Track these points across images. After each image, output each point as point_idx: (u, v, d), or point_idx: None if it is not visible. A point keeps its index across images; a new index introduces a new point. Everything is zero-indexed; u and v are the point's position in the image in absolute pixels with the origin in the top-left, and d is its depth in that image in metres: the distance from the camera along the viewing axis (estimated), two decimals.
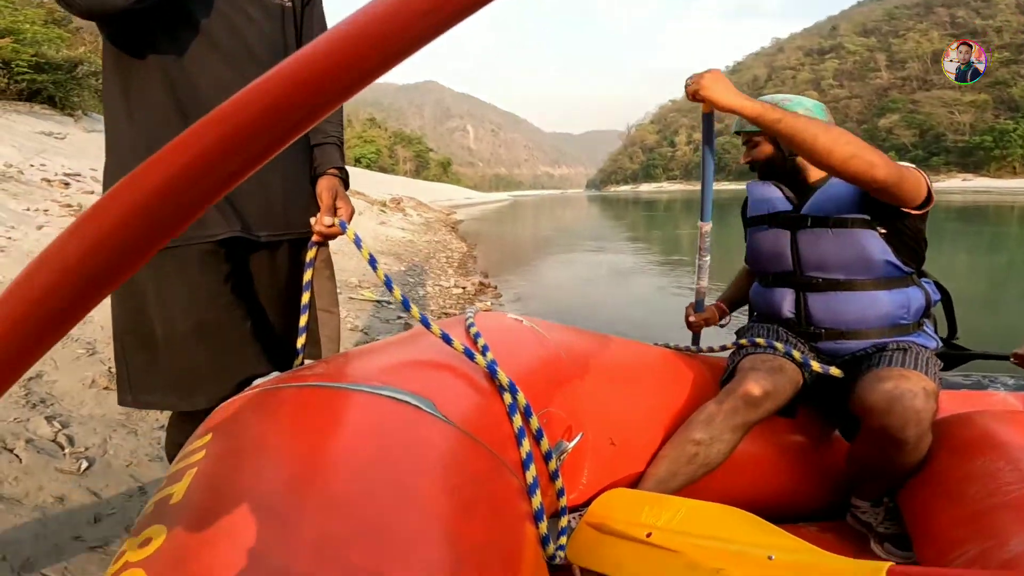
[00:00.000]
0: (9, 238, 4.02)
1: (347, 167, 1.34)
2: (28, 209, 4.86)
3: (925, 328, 1.50)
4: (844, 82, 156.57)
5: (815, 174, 1.53)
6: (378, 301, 4.85)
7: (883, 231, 1.41)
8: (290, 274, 1.26)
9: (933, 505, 1.19)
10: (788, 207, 1.54)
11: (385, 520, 0.62)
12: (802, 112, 1.44)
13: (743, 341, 1.55)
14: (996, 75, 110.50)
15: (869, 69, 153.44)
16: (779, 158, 1.55)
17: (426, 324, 1.05)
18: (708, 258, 1.79)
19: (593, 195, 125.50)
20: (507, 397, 0.99)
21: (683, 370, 1.57)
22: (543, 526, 0.95)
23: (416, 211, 15.56)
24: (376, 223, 11.10)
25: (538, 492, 0.94)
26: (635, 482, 1.39)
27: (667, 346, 1.71)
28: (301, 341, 1.20)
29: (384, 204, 14.13)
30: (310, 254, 1.22)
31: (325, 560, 0.55)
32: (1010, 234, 15.06)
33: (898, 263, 1.43)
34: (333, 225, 1.19)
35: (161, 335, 1.07)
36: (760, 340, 1.51)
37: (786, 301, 1.55)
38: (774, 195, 1.58)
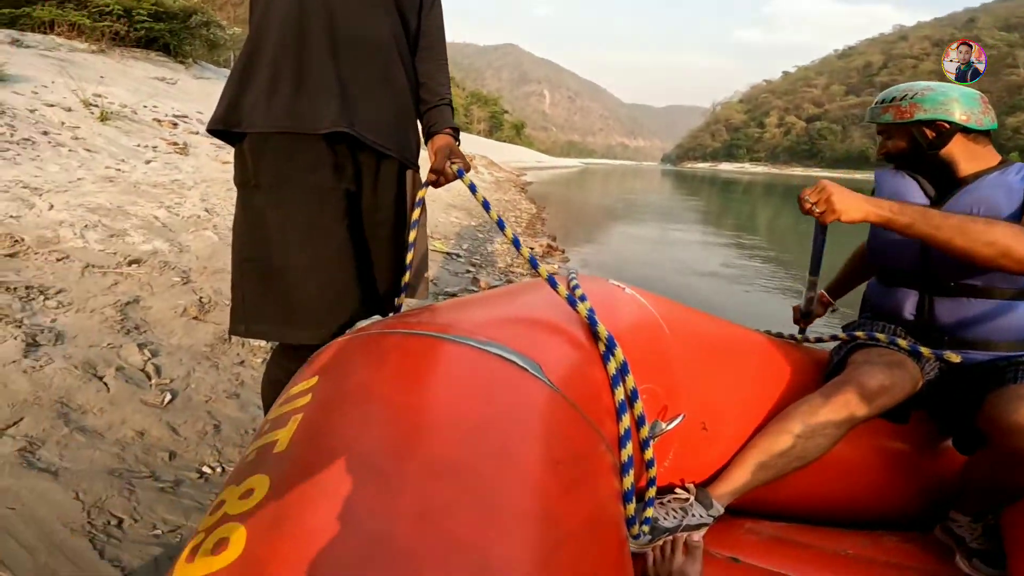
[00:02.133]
0: (118, 170, 4.32)
1: None
2: (138, 145, 5.23)
3: None
4: None
5: (966, 167, 1.38)
6: (448, 253, 4.89)
7: None
8: (395, 212, 1.28)
9: None
10: (924, 201, 1.40)
11: (490, 489, 0.58)
12: (947, 101, 1.35)
13: (859, 333, 1.42)
14: None
15: (1005, 64, 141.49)
16: (914, 153, 1.43)
17: (552, 283, 0.98)
18: (813, 299, 1.67)
19: (668, 169, 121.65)
20: (611, 366, 0.92)
21: (783, 359, 1.47)
22: (630, 508, 0.89)
23: (487, 170, 15.59)
24: None
25: (631, 472, 0.89)
26: (720, 470, 1.31)
27: (768, 333, 1.59)
28: (406, 278, 1.27)
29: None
30: (421, 193, 1.27)
31: (427, 529, 0.51)
32: None
33: None
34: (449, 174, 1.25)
35: (277, 265, 1.09)
36: (881, 336, 1.38)
37: (908, 302, 1.44)
38: (909, 187, 1.44)
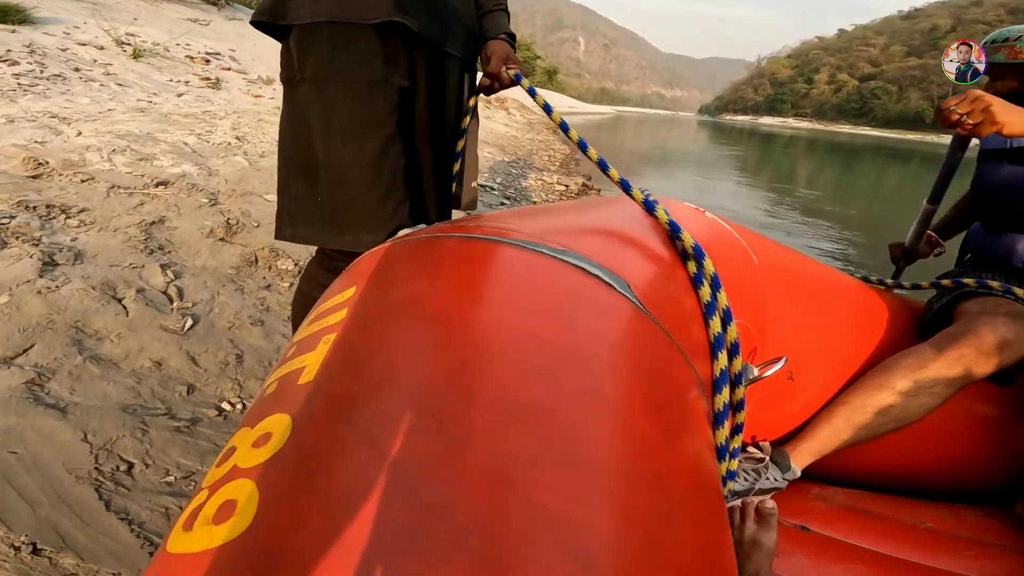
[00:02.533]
0: (150, 102, 4.27)
1: None
2: (171, 80, 5.20)
3: None
4: None
5: None
6: (482, 185, 4.80)
7: None
8: (456, 116, 1.21)
9: None
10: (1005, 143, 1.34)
11: (583, 443, 0.43)
12: (1014, 47, 1.28)
13: (968, 281, 1.27)
14: None
15: None
16: None
17: (626, 188, 0.85)
18: (920, 237, 1.60)
19: (705, 120, 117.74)
20: (704, 293, 0.75)
21: (877, 305, 1.31)
22: (724, 466, 0.77)
23: (519, 112, 15.26)
24: (482, 116, 11.02)
25: (726, 424, 0.74)
26: (801, 427, 1.18)
27: (860, 277, 1.42)
28: (458, 170, 1.22)
29: (488, 101, 13.94)
30: (472, 101, 1.20)
31: (504, 498, 0.37)
32: None
33: None
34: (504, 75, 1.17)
35: (320, 161, 1.00)
36: (995, 284, 1.24)
37: (1019, 248, 1.33)
38: None
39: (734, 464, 0.94)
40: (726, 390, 0.74)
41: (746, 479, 1.11)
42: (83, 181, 2.46)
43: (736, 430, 0.87)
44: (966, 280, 1.29)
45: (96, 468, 1.20)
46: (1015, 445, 1.29)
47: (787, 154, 23.59)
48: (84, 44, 5.20)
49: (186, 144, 3.32)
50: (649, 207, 0.82)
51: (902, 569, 1.06)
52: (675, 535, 0.43)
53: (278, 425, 0.42)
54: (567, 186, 5.77)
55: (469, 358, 0.47)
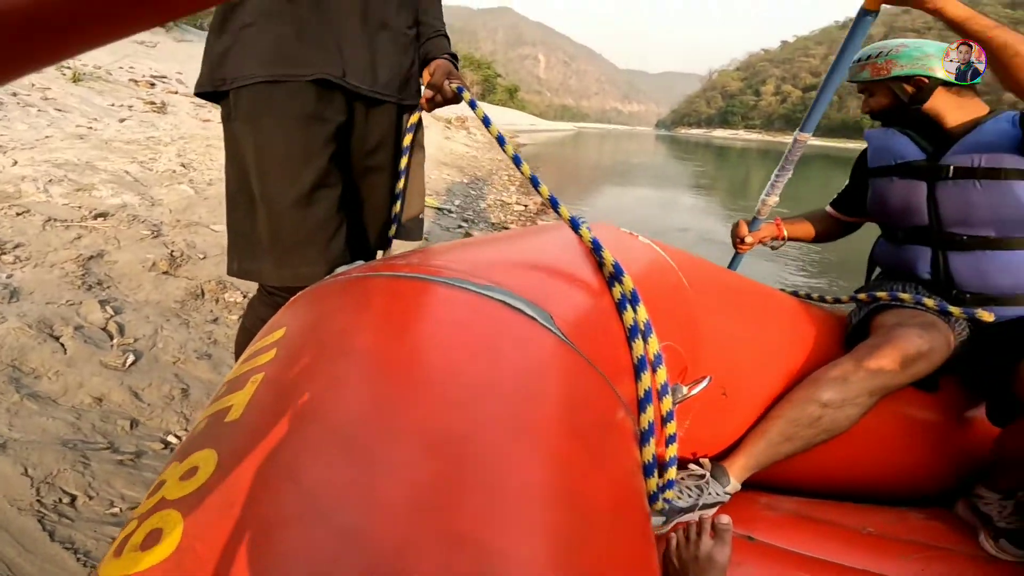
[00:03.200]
0: (90, 128, 4.13)
1: None
2: (113, 104, 5.03)
3: None
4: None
5: (954, 119, 1.35)
6: (439, 208, 4.77)
7: None
8: (391, 154, 1.20)
9: None
10: (921, 156, 1.37)
11: (499, 470, 0.45)
12: (922, 57, 1.34)
13: (881, 294, 1.35)
14: None
15: None
16: (898, 109, 1.41)
17: (555, 205, 0.89)
18: (790, 174, 1.61)
19: (662, 134, 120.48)
20: (628, 318, 0.78)
21: (806, 320, 1.36)
22: (652, 482, 0.79)
23: (480, 131, 15.37)
24: (442, 137, 11.08)
25: (652, 442, 0.77)
26: (738, 441, 1.21)
27: (789, 292, 1.50)
28: (397, 208, 1.20)
29: (449, 121, 14.01)
30: (413, 118, 1.19)
31: (420, 520, 0.38)
32: None
33: None
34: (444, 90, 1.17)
35: (259, 198, 1.02)
36: (905, 296, 1.32)
37: (921, 260, 1.38)
38: (903, 144, 1.41)
39: (670, 474, 0.97)
40: (651, 409, 0.76)
41: (689, 495, 1.13)
42: (18, 214, 2.38)
43: (669, 444, 0.90)
44: (879, 294, 1.35)
45: (38, 500, 1.18)
46: (950, 448, 1.35)
47: (741, 165, 24.30)
48: None
49: (127, 173, 3.23)
50: (574, 225, 0.84)
51: (846, 575, 1.09)
52: (595, 553, 0.45)
53: (205, 460, 0.44)
54: (526, 206, 5.84)
55: (391, 392, 0.49)
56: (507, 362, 0.56)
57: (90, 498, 1.21)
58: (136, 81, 6.08)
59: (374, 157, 1.16)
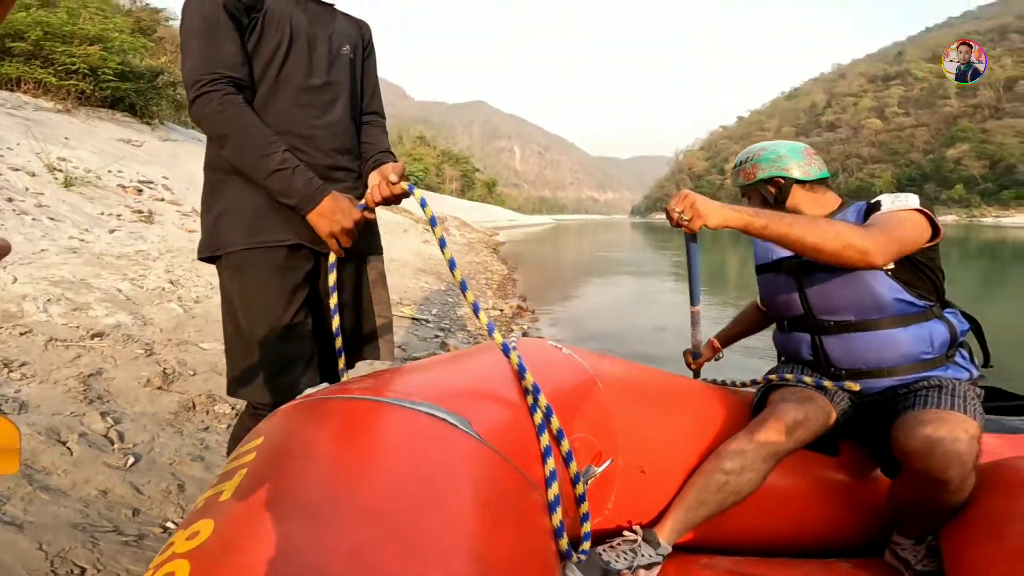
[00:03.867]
0: (82, 240, 4.30)
1: None
2: (102, 213, 5.17)
3: (957, 359, 1.46)
4: (910, 110, 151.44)
5: (811, 213, 1.54)
6: (416, 318, 4.92)
7: (890, 269, 1.39)
8: (354, 288, 1.42)
9: (974, 545, 1.17)
10: (789, 253, 1.54)
11: (416, 531, 0.65)
12: (777, 159, 1.55)
13: (772, 376, 1.57)
14: None
15: (937, 96, 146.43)
16: (768, 206, 1.58)
17: (491, 332, 1.07)
18: (700, 337, 1.83)
19: (637, 221, 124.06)
20: (538, 416, 1.02)
21: (715, 402, 1.57)
22: (563, 543, 0.96)
23: (459, 231, 15.75)
24: (420, 241, 11.32)
25: (559, 510, 0.96)
26: (663, 511, 1.39)
27: (702, 379, 1.72)
28: (339, 343, 1.35)
29: (426, 226, 14.32)
30: (361, 215, 1.31)
31: (357, 564, 0.59)
32: None
33: (911, 299, 1.41)
34: (397, 183, 1.27)
35: (245, 333, 1.24)
36: (789, 376, 1.52)
37: (804, 345, 1.56)
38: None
39: (585, 527, 1.14)
40: (556, 485, 0.96)
41: (626, 558, 1.30)
42: (22, 334, 2.57)
43: (584, 517, 1.11)
44: (771, 376, 1.56)
45: (52, 571, 1.33)
46: (862, 502, 1.50)
47: (715, 250, 25.03)
48: (17, 169, 5.18)
49: (119, 291, 3.43)
50: (505, 351, 1.07)
51: None
52: None
53: (204, 526, 0.64)
54: (501, 311, 6.01)
55: (340, 482, 0.71)
56: (427, 458, 0.79)
57: (98, 571, 1.37)
58: (124, 187, 6.14)
59: (341, 296, 1.37)
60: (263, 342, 1.23)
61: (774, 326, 1.75)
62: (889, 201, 1.40)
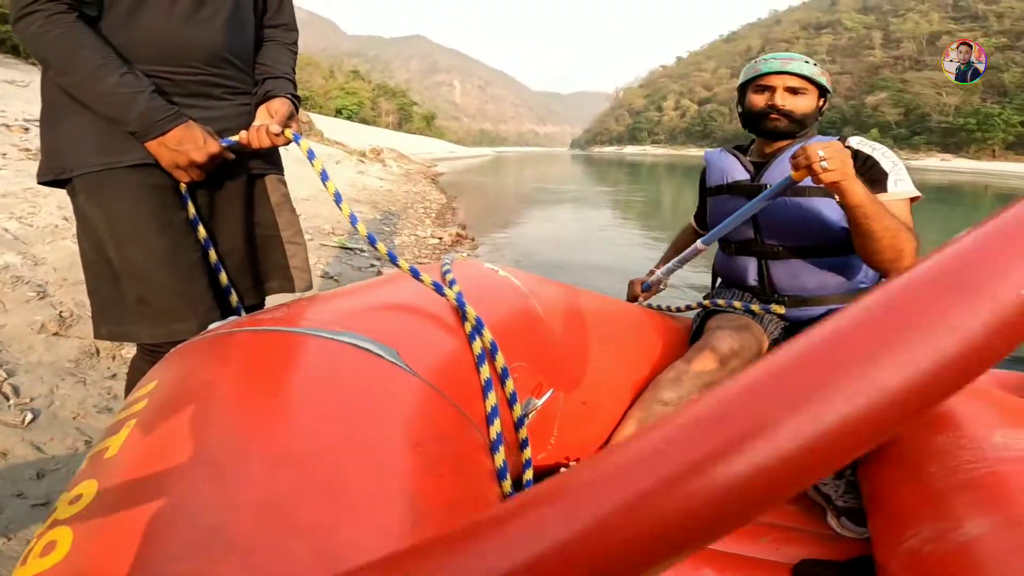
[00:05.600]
0: None
1: (327, 118, 1.31)
2: None
3: None
4: (837, 58, 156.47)
5: (778, 143, 1.50)
6: (350, 248, 4.74)
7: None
8: (252, 212, 1.26)
9: (891, 481, 1.12)
10: (746, 176, 1.51)
11: (338, 477, 0.57)
12: (809, 70, 1.44)
13: (706, 302, 1.55)
14: (991, 59, 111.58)
15: (864, 47, 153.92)
16: (805, 121, 1.50)
17: (394, 260, 0.98)
18: (680, 269, 1.73)
19: (577, 154, 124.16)
20: (476, 346, 0.93)
21: (656, 329, 1.52)
22: (506, 484, 0.89)
23: (396, 162, 15.28)
24: (354, 172, 10.97)
25: (502, 449, 0.89)
26: (604, 444, 1.34)
27: (646, 305, 1.66)
28: (224, 278, 1.21)
29: (363, 154, 13.85)
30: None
31: (268, 519, 0.51)
32: (980, 212, 15.48)
33: None
34: (281, 135, 1.17)
35: (119, 265, 1.08)
36: (721, 301, 1.51)
37: (750, 269, 1.54)
38: (731, 165, 1.55)
39: (528, 475, 1.11)
40: (498, 422, 0.89)
41: None
42: None
43: (526, 453, 1.04)
44: (705, 302, 1.53)
45: None
46: None
47: (651, 180, 25.33)
48: None
49: (6, 230, 3.10)
50: (437, 288, 0.96)
51: (710, 559, 1.18)
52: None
53: (87, 488, 0.55)
54: (440, 238, 5.88)
55: (246, 426, 0.61)
56: (351, 394, 0.68)
57: (8, 539, 1.27)
58: (8, 126, 5.74)
59: (226, 221, 1.22)
60: (142, 273, 1.07)
61: (715, 249, 1.70)
62: (893, 180, 1.35)
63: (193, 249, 1.13)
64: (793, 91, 1.45)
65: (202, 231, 1.15)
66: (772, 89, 1.46)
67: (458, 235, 6.22)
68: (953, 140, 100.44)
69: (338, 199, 1.05)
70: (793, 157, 1.18)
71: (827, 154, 1.15)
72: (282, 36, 1.30)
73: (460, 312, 0.95)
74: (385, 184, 10.47)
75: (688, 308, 1.61)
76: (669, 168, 39.32)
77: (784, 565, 1.15)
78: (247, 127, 1.17)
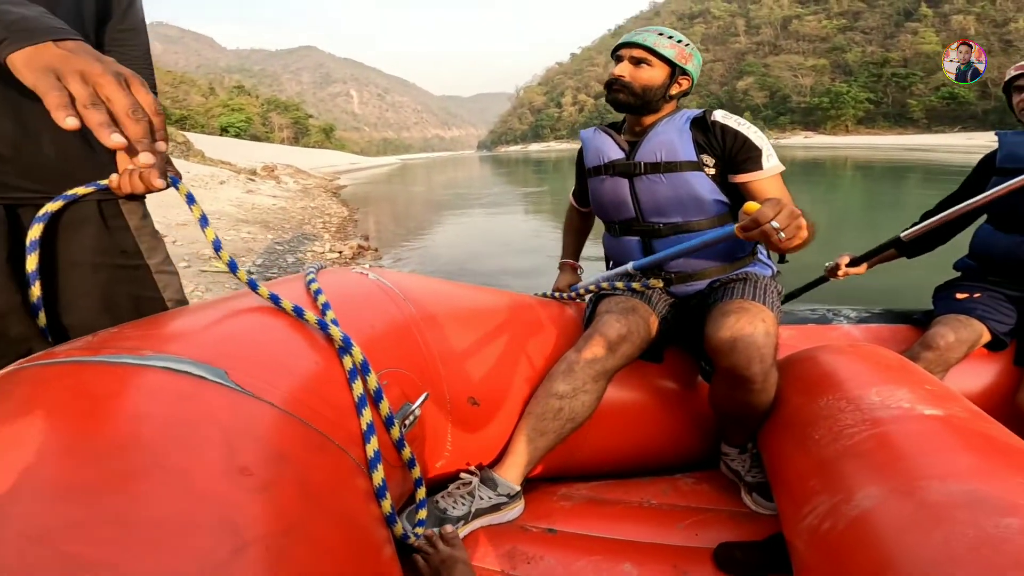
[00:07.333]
0: None
1: (212, 136, 1.13)
2: None
3: (760, 256, 1.50)
4: (709, 46, 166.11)
5: (646, 120, 1.48)
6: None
7: (711, 172, 1.39)
8: (97, 239, 1.03)
9: (785, 451, 1.11)
10: (621, 155, 1.48)
11: (132, 507, 0.51)
12: (653, 41, 1.43)
13: (591, 286, 1.52)
14: (834, 41, 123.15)
15: (730, 34, 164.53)
16: (654, 97, 1.47)
17: (253, 286, 0.87)
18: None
19: (484, 155, 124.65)
20: (348, 361, 0.86)
21: (551, 318, 1.47)
22: (386, 504, 0.84)
23: (293, 178, 14.68)
24: (242, 191, 10.51)
25: (380, 467, 0.83)
26: (504, 445, 1.29)
27: (535, 295, 1.61)
28: (42, 319, 0.98)
29: (254, 172, 13.21)
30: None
31: (40, 552, 0.45)
32: (841, 183, 17.10)
33: (726, 199, 1.41)
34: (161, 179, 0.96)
35: None
36: (605, 285, 1.49)
37: (634, 249, 1.52)
38: (607, 144, 1.52)
39: (420, 494, 1.05)
40: (374, 440, 0.83)
41: (463, 503, 1.19)
42: None
43: (411, 464, 0.97)
44: (590, 286, 1.51)
45: None
46: (690, 412, 1.45)
47: (556, 174, 25.81)
48: None
49: None
50: (252, 286, 0.87)
51: (632, 550, 1.16)
52: (259, 567, 0.51)
53: None
54: (340, 252, 5.70)
55: (22, 459, 0.52)
56: (155, 421, 0.60)
57: None
58: None
59: (72, 253, 1.02)
60: None
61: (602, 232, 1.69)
62: (766, 156, 1.36)
63: (9, 290, 0.93)
64: (636, 62, 1.44)
65: (31, 264, 0.93)
66: (622, 61, 1.46)
67: (360, 247, 6.04)
68: (812, 119, 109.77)
69: (203, 223, 0.89)
70: (744, 229, 1.09)
71: (782, 224, 1.05)
72: (131, 41, 1.09)
73: (322, 327, 0.87)
74: (278, 202, 10.04)
75: (579, 294, 1.55)
76: (572, 162, 40.28)
77: (704, 550, 1.15)
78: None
